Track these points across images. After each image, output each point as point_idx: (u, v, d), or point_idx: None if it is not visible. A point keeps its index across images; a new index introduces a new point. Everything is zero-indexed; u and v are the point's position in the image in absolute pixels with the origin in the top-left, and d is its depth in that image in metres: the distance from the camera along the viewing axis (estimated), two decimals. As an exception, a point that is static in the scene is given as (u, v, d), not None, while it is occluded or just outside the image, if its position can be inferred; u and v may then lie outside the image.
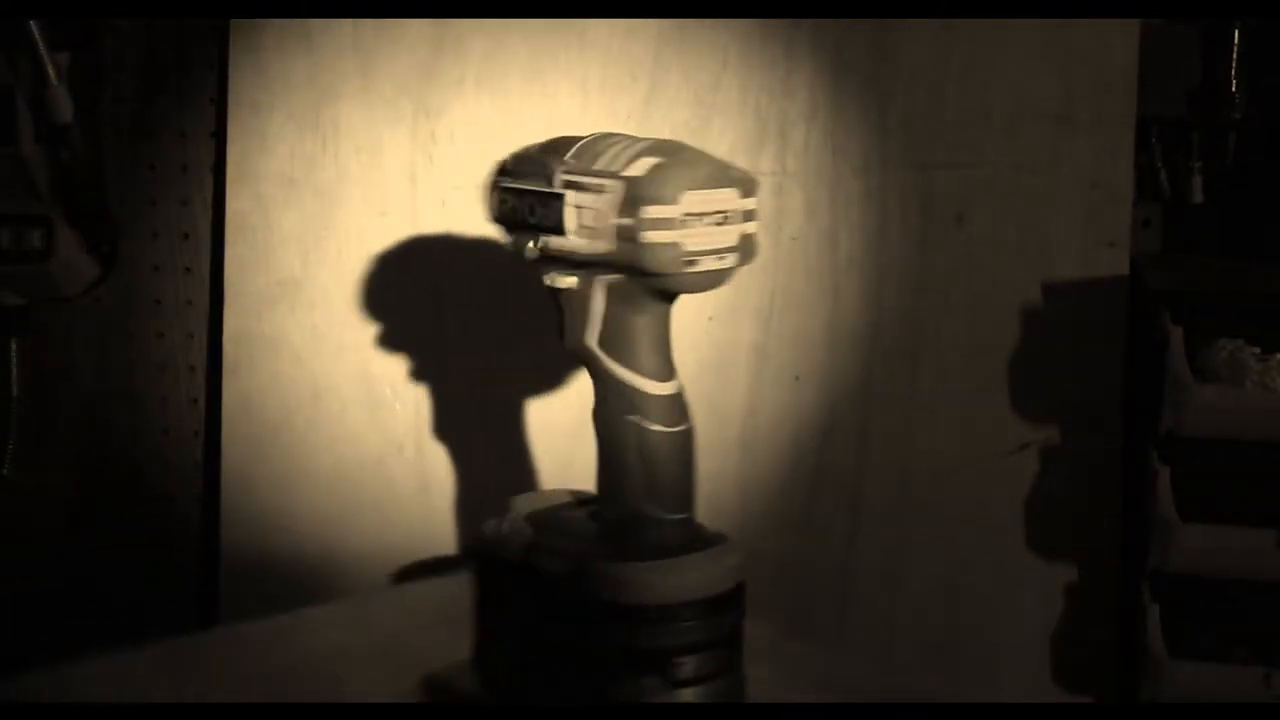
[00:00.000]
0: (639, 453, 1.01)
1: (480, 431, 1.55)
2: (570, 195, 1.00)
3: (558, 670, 1.02)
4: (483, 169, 1.02)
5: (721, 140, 1.51)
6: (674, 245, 0.98)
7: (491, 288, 1.54)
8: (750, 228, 1.00)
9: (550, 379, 1.52)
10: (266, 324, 1.59)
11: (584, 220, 1.00)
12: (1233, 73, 1.46)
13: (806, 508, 1.54)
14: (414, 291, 1.57)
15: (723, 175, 1.00)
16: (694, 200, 0.98)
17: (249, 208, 1.60)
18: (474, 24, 1.54)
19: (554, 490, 1.14)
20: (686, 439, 1.03)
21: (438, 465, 1.57)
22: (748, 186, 1.00)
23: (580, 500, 1.11)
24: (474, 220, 1.05)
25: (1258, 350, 1.38)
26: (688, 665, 1.02)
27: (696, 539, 1.05)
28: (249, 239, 1.60)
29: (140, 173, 1.64)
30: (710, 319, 1.52)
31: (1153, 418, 1.36)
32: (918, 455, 1.53)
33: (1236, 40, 1.45)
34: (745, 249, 1.00)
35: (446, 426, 1.57)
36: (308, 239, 1.59)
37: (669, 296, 1.02)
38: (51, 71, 1.42)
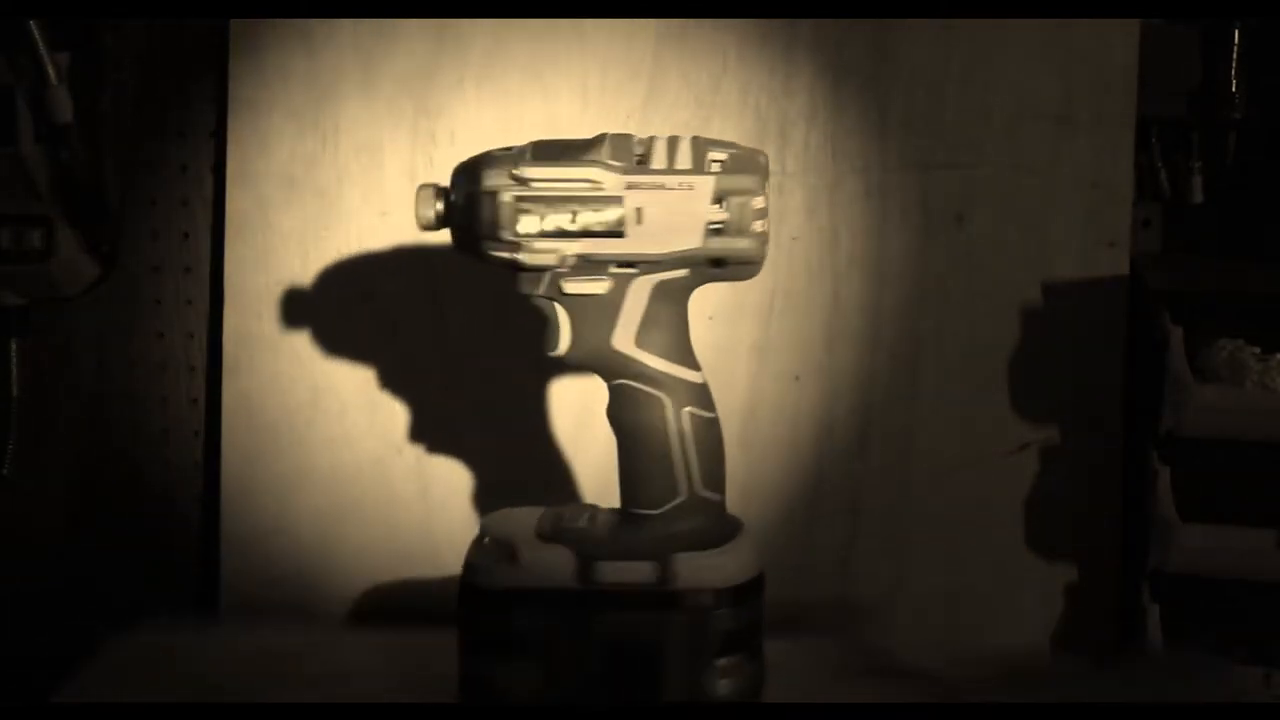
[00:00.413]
0: (697, 442, 1.03)
1: (480, 433, 1.55)
2: (632, 196, 1.01)
3: (630, 678, 1.02)
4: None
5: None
6: (766, 233, 1.01)
7: (491, 289, 1.54)
8: None
9: (551, 379, 1.52)
10: (266, 324, 1.59)
11: (655, 219, 1.01)
12: (1233, 73, 1.46)
13: (806, 507, 1.54)
14: (414, 292, 1.57)
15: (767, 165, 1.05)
16: (768, 189, 1.03)
17: (249, 208, 1.60)
18: (474, 24, 1.54)
19: (514, 510, 1.13)
20: (719, 423, 1.05)
21: (437, 467, 1.57)
22: None
23: (568, 510, 1.11)
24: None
25: (1258, 350, 1.38)
26: (758, 639, 1.04)
27: (733, 521, 1.07)
28: (249, 239, 1.60)
29: (140, 173, 1.64)
30: (710, 319, 1.51)
31: (1153, 418, 1.36)
32: (918, 455, 1.53)
33: (1236, 40, 1.45)
34: None
35: (446, 428, 1.57)
36: (308, 239, 1.59)
37: (691, 290, 1.04)
38: (51, 71, 1.42)
